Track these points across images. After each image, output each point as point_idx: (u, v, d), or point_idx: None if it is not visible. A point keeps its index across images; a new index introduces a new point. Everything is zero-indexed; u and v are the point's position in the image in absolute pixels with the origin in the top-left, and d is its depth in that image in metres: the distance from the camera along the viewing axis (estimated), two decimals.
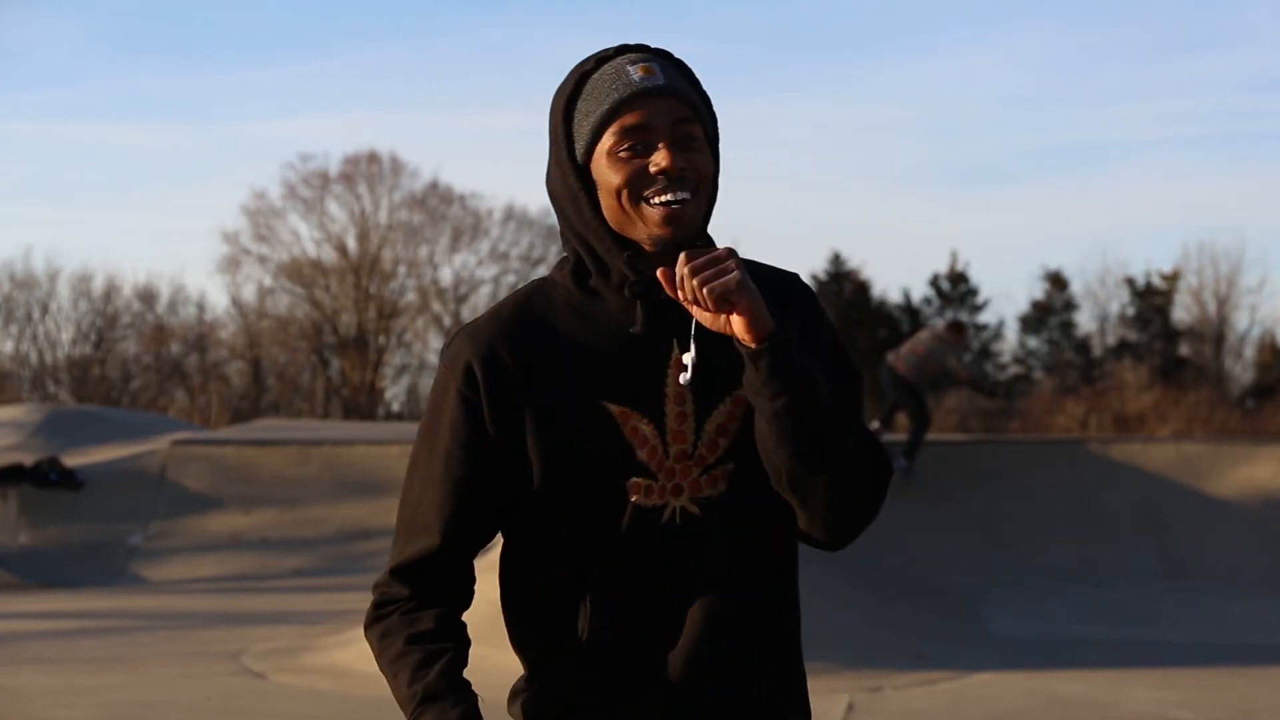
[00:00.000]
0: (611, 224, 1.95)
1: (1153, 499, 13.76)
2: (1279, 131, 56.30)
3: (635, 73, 1.92)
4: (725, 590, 1.96)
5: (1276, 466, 14.02)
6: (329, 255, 42.09)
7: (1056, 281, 42.49)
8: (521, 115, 56.86)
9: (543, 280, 2.06)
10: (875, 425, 13.72)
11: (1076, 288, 43.41)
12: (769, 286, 2.00)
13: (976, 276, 50.97)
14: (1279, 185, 55.50)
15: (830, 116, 57.20)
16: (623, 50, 1.96)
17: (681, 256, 1.87)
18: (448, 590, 2.03)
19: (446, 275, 42.66)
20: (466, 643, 2.03)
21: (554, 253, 42.95)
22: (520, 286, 2.09)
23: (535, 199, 73.45)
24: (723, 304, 1.85)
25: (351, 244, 42.04)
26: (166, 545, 14.92)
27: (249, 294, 42.78)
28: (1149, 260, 68.56)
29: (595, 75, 1.95)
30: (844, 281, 42.03)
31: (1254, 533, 13.39)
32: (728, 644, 1.96)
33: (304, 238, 42.18)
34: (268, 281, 42.31)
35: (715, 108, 2.01)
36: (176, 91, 55.50)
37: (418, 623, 1.99)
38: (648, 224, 1.91)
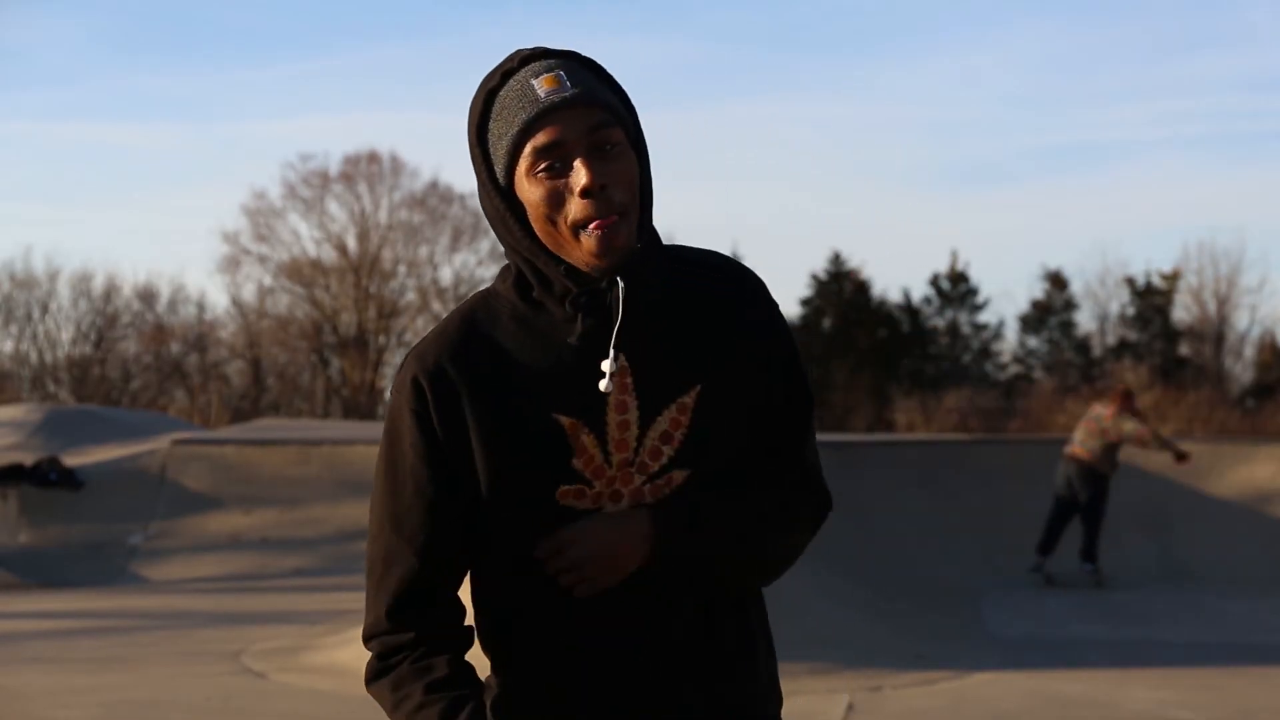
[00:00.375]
0: (545, 243, 1.90)
1: (1153, 499, 13.76)
2: (1279, 131, 56.36)
3: (541, 86, 1.84)
4: (673, 598, 1.95)
5: (1276, 466, 14.02)
6: (329, 255, 42.18)
7: (1056, 281, 42.53)
8: None
9: (486, 293, 2.00)
10: (1088, 569, 12.68)
11: (1076, 287, 43.53)
12: (720, 287, 1.98)
13: (976, 276, 51.04)
14: (1279, 185, 55.55)
15: (830, 116, 57.27)
16: (526, 60, 1.88)
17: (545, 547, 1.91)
18: (448, 631, 1.99)
19: (446, 275, 42.77)
20: (480, 687, 1.99)
21: None
22: (464, 301, 2.04)
23: None
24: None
25: (351, 244, 42.10)
26: (166, 545, 14.92)
27: (249, 294, 42.89)
28: (1149, 260, 68.72)
29: (503, 92, 1.88)
30: (844, 281, 42.05)
31: (1254, 533, 13.39)
32: (670, 649, 1.95)
33: (304, 237, 42.28)
34: (268, 281, 42.42)
35: (631, 100, 1.94)
36: (177, 91, 55.60)
37: (432, 670, 1.94)
38: (584, 253, 1.86)
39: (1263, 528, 13.41)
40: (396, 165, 42.22)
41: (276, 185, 58.79)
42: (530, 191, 1.86)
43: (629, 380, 1.92)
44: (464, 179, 72.60)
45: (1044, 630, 11.09)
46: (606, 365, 1.90)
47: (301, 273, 41.99)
